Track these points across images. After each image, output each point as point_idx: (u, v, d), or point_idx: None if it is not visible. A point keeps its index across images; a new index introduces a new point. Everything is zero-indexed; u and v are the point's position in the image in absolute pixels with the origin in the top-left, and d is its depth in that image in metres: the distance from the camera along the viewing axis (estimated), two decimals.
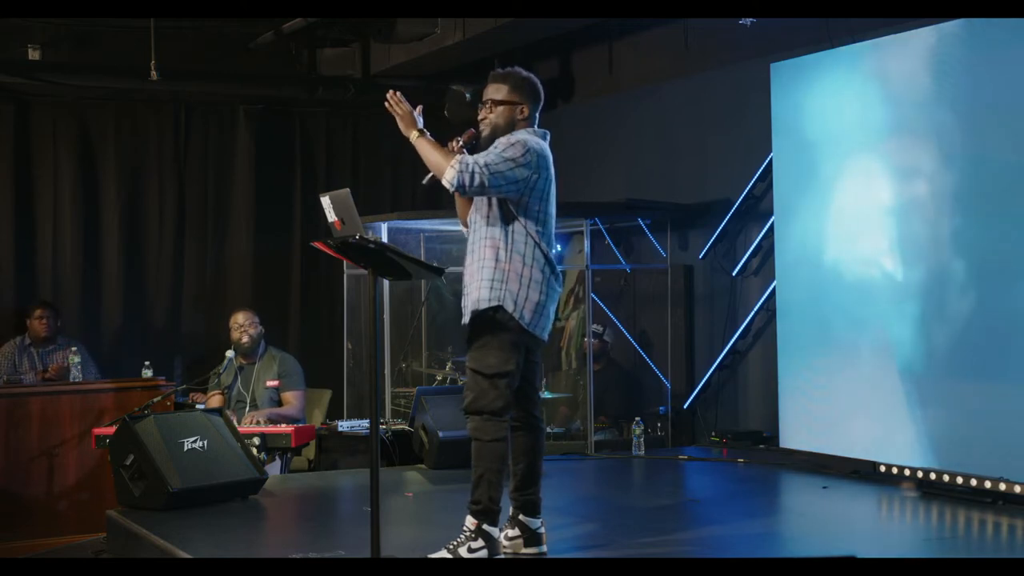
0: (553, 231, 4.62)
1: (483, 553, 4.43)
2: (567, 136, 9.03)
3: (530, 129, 4.63)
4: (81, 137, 9.01)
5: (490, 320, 4.47)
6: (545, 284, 4.52)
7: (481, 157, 4.45)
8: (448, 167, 4.42)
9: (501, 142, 4.53)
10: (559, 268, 4.67)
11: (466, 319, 4.57)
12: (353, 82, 9.36)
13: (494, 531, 4.48)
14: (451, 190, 4.46)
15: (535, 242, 4.52)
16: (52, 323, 8.22)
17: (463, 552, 4.42)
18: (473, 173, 4.40)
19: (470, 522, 4.47)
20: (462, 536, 4.46)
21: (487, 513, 4.46)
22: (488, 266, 4.50)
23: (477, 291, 4.50)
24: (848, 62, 6.63)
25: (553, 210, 4.61)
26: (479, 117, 4.68)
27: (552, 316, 4.60)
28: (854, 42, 6.66)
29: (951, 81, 6.00)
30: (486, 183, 4.41)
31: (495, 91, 4.65)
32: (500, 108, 4.62)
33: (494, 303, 4.46)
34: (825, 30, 6.87)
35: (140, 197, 9.18)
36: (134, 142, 9.16)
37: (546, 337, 4.59)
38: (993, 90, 5.79)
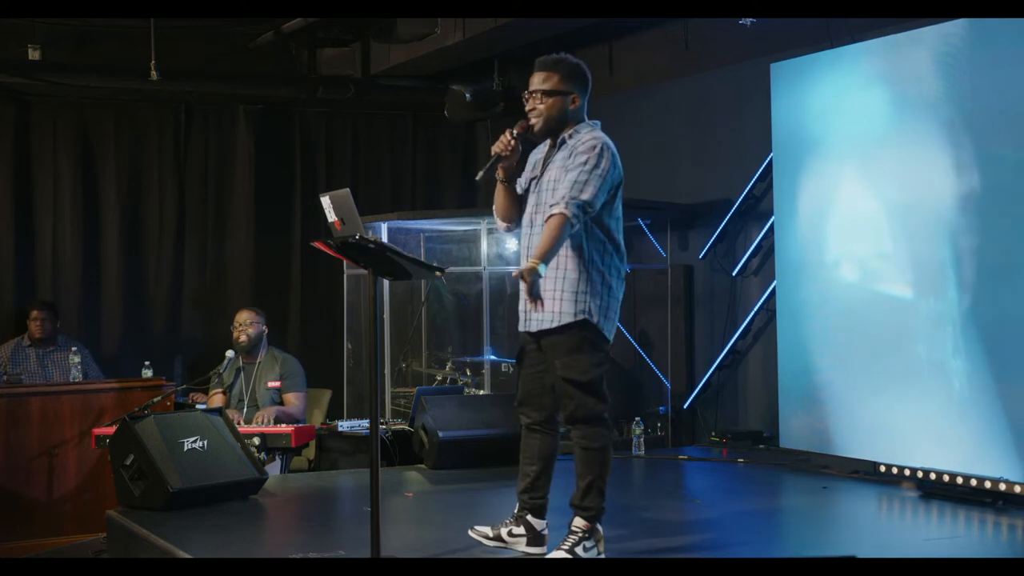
0: (622, 224, 4.55)
1: (594, 551, 4.46)
2: None
3: (587, 123, 4.54)
4: (81, 137, 9.01)
5: (575, 332, 4.41)
6: (619, 289, 4.50)
7: (581, 188, 4.31)
8: (566, 225, 4.27)
9: (583, 153, 4.38)
10: None
11: (535, 327, 4.48)
12: (353, 82, 9.36)
13: (601, 528, 4.51)
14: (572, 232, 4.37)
15: (613, 247, 4.47)
16: (49, 325, 8.22)
17: (580, 551, 4.42)
18: (587, 213, 4.32)
19: (582, 524, 4.45)
20: (575, 536, 4.44)
21: (597, 517, 4.48)
22: (570, 278, 4.40)
23: (559, 303, 4.40)
24: (848, 62, 6.63)
25: (620, 203, 4.54)
26: (527, 108, 4.53)
27: (618, 315, 4.55)
28: (854, 42, 6.66)
29: (953, 80, 6.00)
30: (595, 210, 4.35)
31: (544, 80, 4.50)
32: (551, 99, 4.48)
33: (580, 317, 4.39)
34: (825, 30, 6.87)
35: (140, 197, 9.19)
36: (134, 142, 9.17)
37: (612, 337, 4.54)
38: (996, 89, 5.79)
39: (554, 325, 4.43)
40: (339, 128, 9.83)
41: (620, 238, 4.52)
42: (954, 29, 5.98)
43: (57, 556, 6.16)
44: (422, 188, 10.04)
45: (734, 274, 7.97)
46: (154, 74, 8.27)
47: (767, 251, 7.65)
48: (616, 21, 8.42)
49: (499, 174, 4.59)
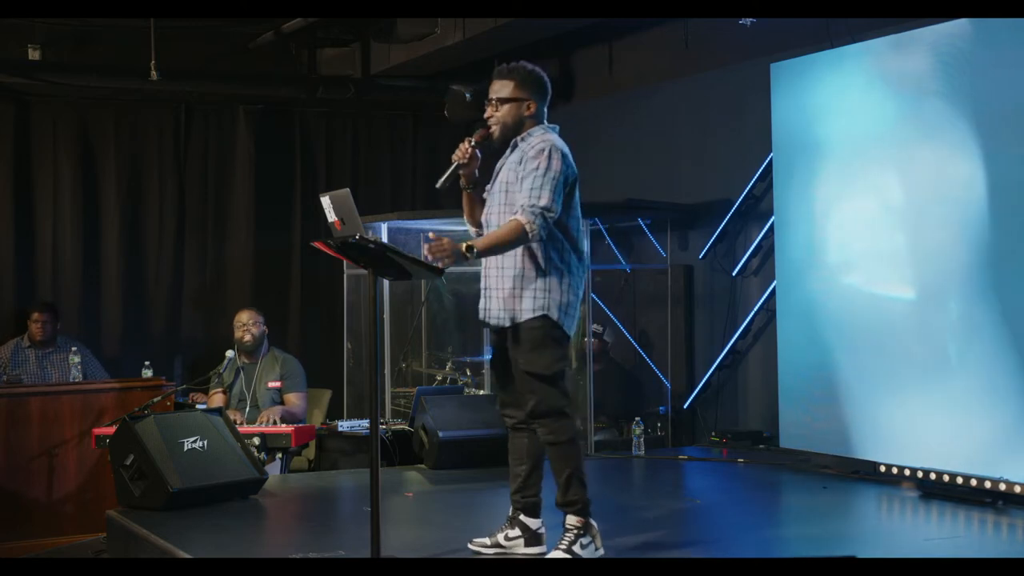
0: (581, 223, 4.60)
1: (592, 547, 4.47)
2: (567, 136, 8.99)
3: (542, 126, 4.58)
4: (81, 137, 9.01)
5: (537, 328, 4.45)
6: (578, 287, 4.54)
7: (538, 194, 4.36)
8: (522, 233, 4.33)
9: (533, 159, 4.42)
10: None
11: (495, 322, 4.54)
12: (353, 82, 9.36)
13: (594, 522, 4.51)
14: (538, 241, 4.41)
15: (571, 245, 4.50)
16: (50, 327, 8.20)
17: (578, 549, 4.43)
18: (544, 217, 4.35)
19: (575, 520, 4.46)
20: (571, 534, 4.45)
21: (585, 509, 4.49)
22: (529, 275, 4.46)
23: (519, 300, 4.46)
24: (848, 62, 6.63)
25: (578, 201, 4.57)
26: (485, 115, 4.62)
27: (579, 312, 4.60)
28: (854, 42, 6.66)
29: (953, 80, 5.99)
30: (556, 212, 4.39)
31: (500, 88, 4.59)
32: (506, 106, 4.57)
33: (539, 313, 4.44)
34: (825, 30, 6.87)
35: (140, 197, 9.18)
36: (134, 142, 9.16)
37: (573, 334, 4.59)
38: (999, 89, 5.78)
39: (515, 322, 4.48)
40: (339, 128, 9.82)
41: (578, 236, 4.56)
42: (955, 29, 5.97)
43: (57, 556, 6.16)
44: (422, 188, 10.03)
45: (734, 274, 7.97)
46: (154, 74, 8.27)
47: (767, 251, 7.65)
48: (616, 21, 8.42)
49: (462, 182, 4.67)
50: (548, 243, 4.47)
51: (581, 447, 4.54)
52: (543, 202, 4.36)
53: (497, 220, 4.54)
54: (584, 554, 4.45)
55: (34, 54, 8.62)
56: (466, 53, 8.55)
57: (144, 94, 8.88)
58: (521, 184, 4.44)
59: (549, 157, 4.43)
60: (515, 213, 4.40)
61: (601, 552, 4.52)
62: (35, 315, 8.18)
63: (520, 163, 4.49)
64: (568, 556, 4.41)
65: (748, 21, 7.09)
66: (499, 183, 4.60)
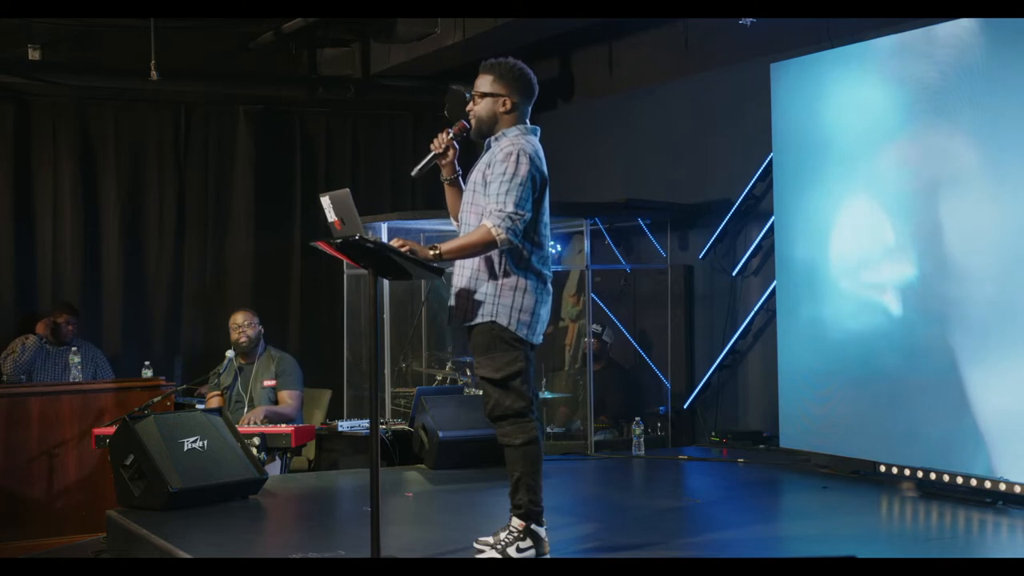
0: (548, 228, 4.60)
1: (531, 552, 4.44)
2: (567, 136, 9.03)
3: (519, 127, 4.55)
4: (81, 137, 9.01)
5: (486, 331, 4.48)
6: (539, 291, 4.52)
7: (504, 200, 4.36)
8: (492, 238, 4.34)
9: (501, 163, 4.42)
10: (557, 268, 4.64)
11: (455, 322, 4.59)
12: (353, 82, 9.36)
13: (541, 531, 4.48)
14: (510, 245, 4.41)
15: (531, 249, 4.49)
16: (75, 328, 8.20)
17: (512, 552, 4.41)
18: (515, 222, 4.35)
19: (517, 523, 4.45)
20: (510, 536, 4.44)
21: (530, 515, 4.46)
22: (483, 279, 4.49)
23: (472, 303, 4.49)
24: (848, 62, 6.63)
25: (547, 207, 4.58)
26: (466, 108, 4.65)
27: (546, 319, 4.59)
28: (854, 42, 6.66)
29: (953, 80, 5.99)
30: (526, 214, 4.39)
31: (481, 82, 4.59)
32: (484, 100, 4.57)
33: (487, 318, 4.47)
34: (825, 30, 6.87)
35: (140, 197, 9.18)
36: (134, 142, 9.17)
37: (539, 340, 4.58)
38: (996, 88, 5.78)
39: (468, 324, 4.53)
40: (339, 128, 9.83)
41: (544, 241, 4.55)
42: (955, 29, 5.97)
43: (57, 556, 6.16)
44: (422, 188, 10.03)
45: (734, 274, 7.97)
46: (154, 74, 8.27)
47: (767, 251, 7.65)
48: (616, 21, 8.42)
49: (442, 173, 4.71)
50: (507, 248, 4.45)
51: (538, 452, 4.48)
52: (509, 207, 4.36)
53: (466, 219, 4.58)
54: (519, 557, 4.42)
55: (34, 54, 8.62)
56: (466, 53, 8.55)
57: (144, 94, 8.89)
58: (488, 188, 4.45)
59: (517, 161, 4.41)
60: (482, 216, 4.44)
61: None
62: (63, 316, 8.15)
63: (489, 166, 4.50)
64: (499, 557, 4.41)
65: (748, 21, 7.09)
66: (470, 183, 4.62)
